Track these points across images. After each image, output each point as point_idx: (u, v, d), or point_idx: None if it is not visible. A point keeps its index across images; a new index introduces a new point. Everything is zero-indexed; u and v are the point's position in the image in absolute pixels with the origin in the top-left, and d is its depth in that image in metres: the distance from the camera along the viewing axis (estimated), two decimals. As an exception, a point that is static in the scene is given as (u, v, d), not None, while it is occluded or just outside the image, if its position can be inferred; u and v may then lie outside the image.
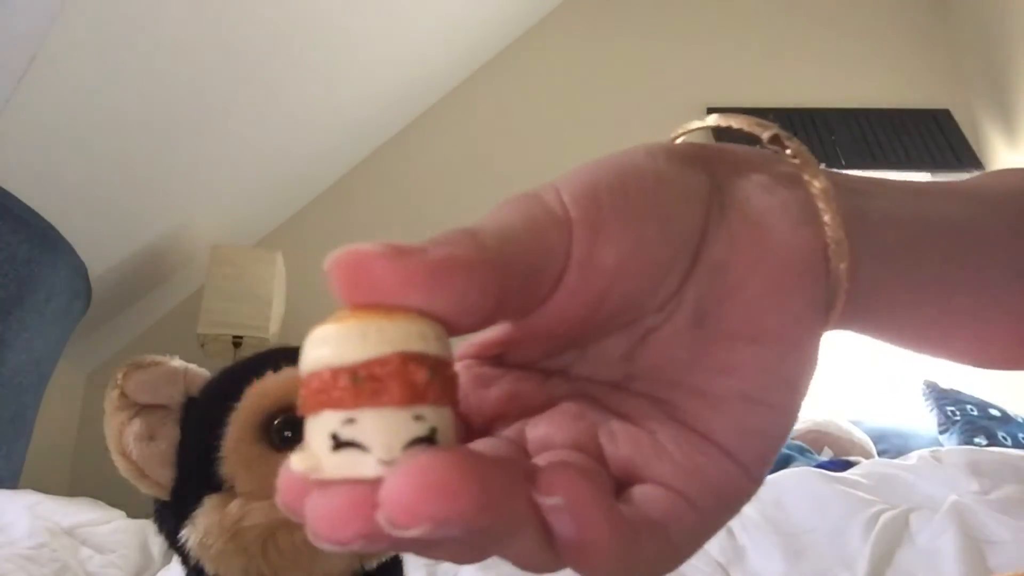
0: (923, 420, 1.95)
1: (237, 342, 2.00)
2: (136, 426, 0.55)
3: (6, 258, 1.43)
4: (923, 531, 0.98)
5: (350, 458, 0.14)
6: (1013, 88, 2.29)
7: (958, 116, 2.49)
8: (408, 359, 0.14)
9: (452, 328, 0.15)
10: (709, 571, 0.98)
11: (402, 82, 2.40)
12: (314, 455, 0.14)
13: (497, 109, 2.65)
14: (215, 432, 0.55)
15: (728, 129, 0.22)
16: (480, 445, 0.18)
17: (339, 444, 0.14)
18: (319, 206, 2.51)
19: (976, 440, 1.74)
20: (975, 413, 1.84)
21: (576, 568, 0.16)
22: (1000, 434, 1.76)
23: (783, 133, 0.20)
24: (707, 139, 0.21)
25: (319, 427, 0.14)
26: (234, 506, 0.53)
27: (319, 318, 0.15)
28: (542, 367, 0.20)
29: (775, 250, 0.18)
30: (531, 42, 2.74)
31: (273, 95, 1.98)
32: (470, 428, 0.20)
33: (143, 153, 1.74)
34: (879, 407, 2.12)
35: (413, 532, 0.13)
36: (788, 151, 0.20)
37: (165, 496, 0.57)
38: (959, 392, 1.93)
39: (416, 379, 0.14)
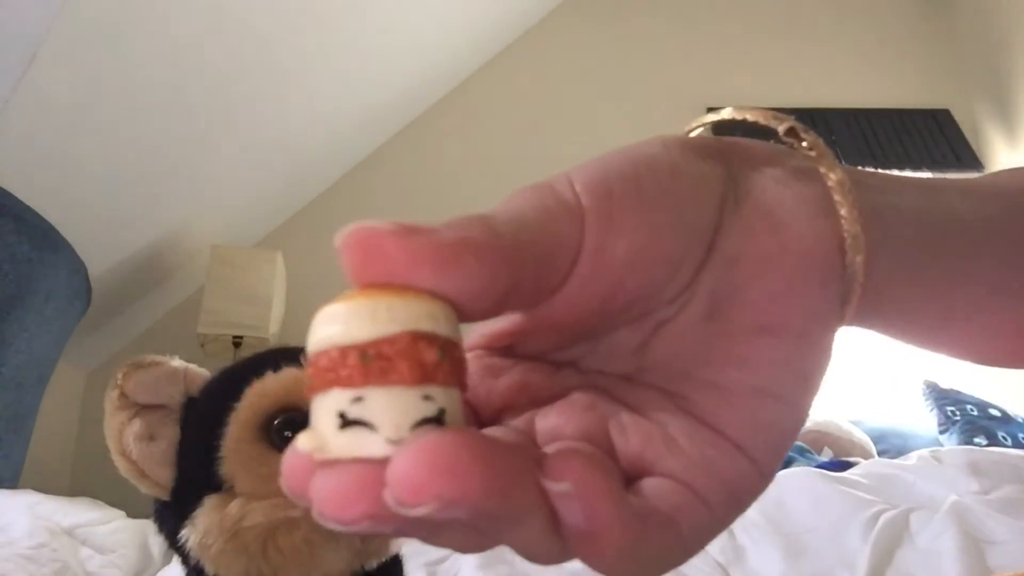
0: (923, 420, 1.95)
1: (237, 342, 2.00)
2: (136, 426, 0.55)
3: (6, 258, 1.43)
4: (923, 531, 0.98)
5: (358, 437, 0.14)
6: (1013, 88, 2.29)
7: (958, 116, 2.49)
8: (418, 338, 0.14)
9: (462, 312, 0.15)
10: (709, 571, 0.98)
11: (402, 81, 2.40)
12: (321, 435, 0.14)
13: (498, 109, 2.65)
14: (215, 432, 0.55)
15: (735, 123, 0.21)
16: (489, 433, 0.18)
17: (346, 423, 0.14)
18: (319, 206, 2.51)
19: (976, 440, 1.73)
20: (975, 413, 1.84)
21: (583, 559, 0.15)
22: (1000, 434, 1.76)
23: (799, 126, 0.20)
24: (706, 134, 0.21)
25: (327, 405, 0.14)
26: (234, 506, 0.53)
27: (319, 318, 0.15)
28: (553, 359, 0.20)
29: (791, 243, 0.18)
30: (532, 42, 2.74)
31: (273, 95, 1.98)
32: (479, 417, 0.19)
33: (143, 153, 1.74)
34: (879, 407, 2.12)
35: (419, 511, 0.13)
36: (804, 144, 0.20)
37: (165, 496, 0.57)
38: (959, 392, 1.93)
39: (425, 359, 0.14)
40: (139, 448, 0.55)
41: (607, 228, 0.17)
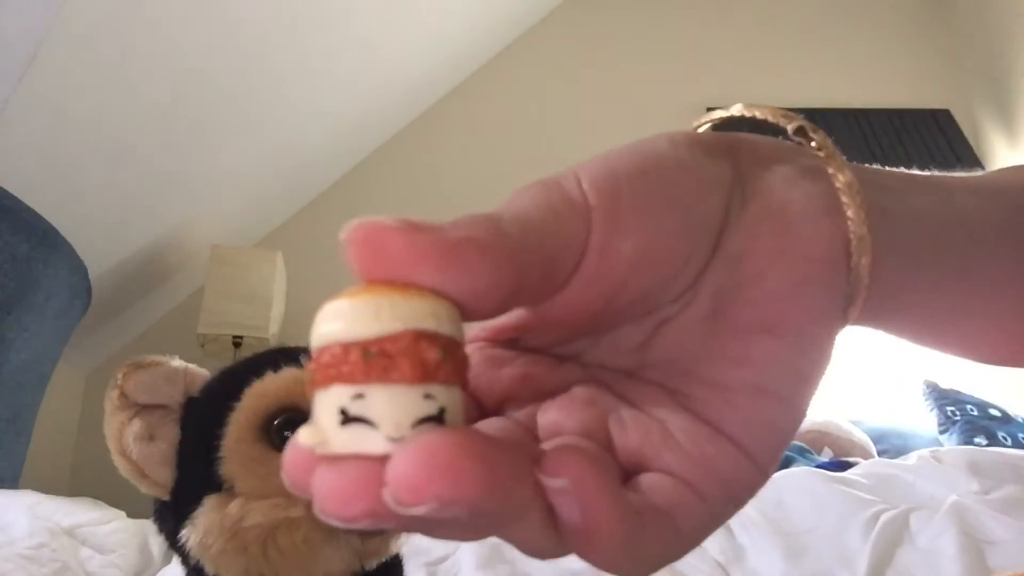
0: (923, 420, 1.95)
1: (237, 342, 2.00)
2: (136, 426, 0.55)
3: (6, 258, 1.43)
4: (923, 531, 0.98)
5: (358, 434, 0.14)
6: (1013, 88, 2.29)
7: (958, 116, 2.49)
8: (420, 337, 0.14)
9: (466, 311, 0.15)
10: (709, 571, 0.98)
11: (402, 81, 2.40)
12: (322, 430, 0.14)
13: (497, 110, 2.65)
14: (215, 432, 0.55)
15: (743, 120, 0.21)
16: (490, 425, 0.18)
17: (348, 419, 0.14)
18: (319, 206, 2.51)
19: (976, 440, 1.73)
20: (975, 413, 1.83)
21: (580, 554, 0.15)
22: (1000, 434, 1.76)
23: (808, 125, 0.20)
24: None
25: (328, 401, 0.14)
26: (234, 506, 0.52)
27: (318, 319, 0.15)
28: (556, 353, 0.20)
29: (796, 242, 0.18)
30: (531, 42, 2.74)
31: (273, 95, 1.98)
32: (481, 407, 0.19)
33: (143, 153, 1.74)
34: (879, 407, 2.12)
35: (418, 511, 0.13)
36: (813, 143, 0.20)
37: (165, 496, 0.57)
38: (959, 392, 1.93)
39: (427, 357, 0.14)
40: (139, 448, 0.55)
41: (614, 227, 0.17)
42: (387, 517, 0.13)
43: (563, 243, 0.16)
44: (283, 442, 0.54)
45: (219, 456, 0.54)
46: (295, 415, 0.54)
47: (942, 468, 1.15)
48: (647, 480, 0.17)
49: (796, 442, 1.70)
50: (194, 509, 0.54)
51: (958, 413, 1.84)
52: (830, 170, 0.19)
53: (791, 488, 1.13)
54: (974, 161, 2.41)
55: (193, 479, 0.55)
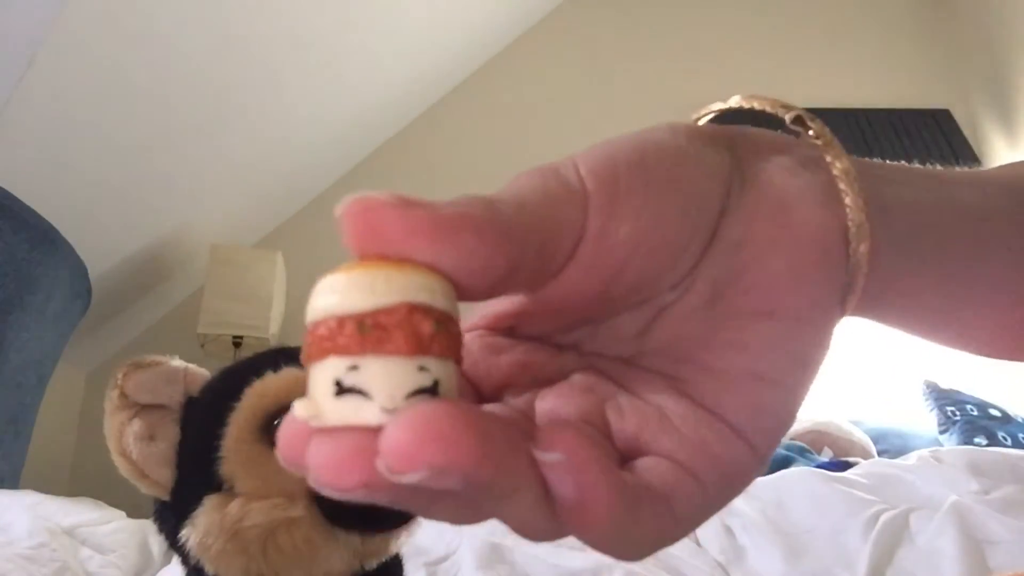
0: (923, 420, 1.95)
1: (237, 342, 2.00)
2: (136, 426, 0.55)
3: (6, 258, 1.43)
4: (923, 531, 0.98)
5: (353, 404, 0.14)
6: (1013, 88, 2.29)
7: (958, 116, 2.49)
8: (414, 310, 0.14)
9: (460, 289, 0.15)
10: (709, 571, 0.98)
11: (403, 81, 2.40)
12: (317, 402, 0.14)
13: (497, 110, 2.65)
14: (215, 432, 0.55)
15: (742, 111, 0.21)
16: (485, 408, 0.18)
17: (342, 390, 0.14)
18: (319, 206, 2.51)
19: (976, 440, 1.73)
20: (975, 413, 1.83)
21: (575, 532, 0.15)
22: (1000, 434, 1.76)
23: (806, 114, 0.20)
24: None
25: (323, 373, 0.14)
26: (234, 506, 0.52)
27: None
28: (555, 341, 0.20)
29: (795, 230, 0.18)
30: (532, 42, 2.74)
31: (273, 94, 1.98)
32: (480, 393, 0.19)
33: (143, 153, 1.74)
34: (879, 407, 2.12)
35: (411, 478, 0.13)
36: (811, 132, 0.20)
37: (165, 496, 0.57)
38: (959, 392, 1.93)
39: (422, 330, 0.14)
40: (139, 448, 0.55)
41: (611, 213, 0.17)
42: (381, 488, 0.13)
43: (559, 227, 0.16)
44: (283, 442, 0.54)
45: (219, 456, 0.54)
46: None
47: (942, 468, 1.15)
48: (643, 462, 0.17)
49: (796, 442, 1.70)
50: (194, 509, 0.54)
51: (958, 413, 1.84)
52: (828, 158, 0.19)
53: (791, 488, 1.13)
54: (974, 161, 2.41)
55: (193, 479, 0.55)
